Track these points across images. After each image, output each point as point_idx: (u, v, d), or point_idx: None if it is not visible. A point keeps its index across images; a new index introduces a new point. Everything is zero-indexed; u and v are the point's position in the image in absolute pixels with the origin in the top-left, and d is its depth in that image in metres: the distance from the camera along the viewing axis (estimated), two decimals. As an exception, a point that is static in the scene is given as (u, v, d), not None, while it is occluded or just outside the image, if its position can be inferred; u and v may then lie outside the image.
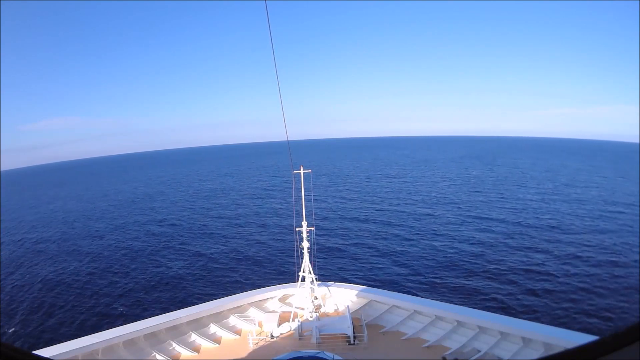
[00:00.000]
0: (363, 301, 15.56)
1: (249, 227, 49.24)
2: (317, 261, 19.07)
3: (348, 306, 15.04)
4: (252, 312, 15.67)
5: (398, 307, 14.73)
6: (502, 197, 62.72)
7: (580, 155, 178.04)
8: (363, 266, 33.25)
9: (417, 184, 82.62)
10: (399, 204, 58.96)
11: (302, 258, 15.23)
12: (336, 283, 16.87)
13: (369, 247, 38.14)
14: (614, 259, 33.03)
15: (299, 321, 13.82)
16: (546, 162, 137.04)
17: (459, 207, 55.52)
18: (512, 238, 39.76)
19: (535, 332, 11.77)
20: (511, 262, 32.94)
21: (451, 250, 36.15)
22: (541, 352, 11.41)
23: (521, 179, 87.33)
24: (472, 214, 50.87)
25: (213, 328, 14.46)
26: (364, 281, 28.69)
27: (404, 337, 13.48)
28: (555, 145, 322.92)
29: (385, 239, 41.10)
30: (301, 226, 15.31)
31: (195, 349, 13.46)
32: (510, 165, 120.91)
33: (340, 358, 11.09)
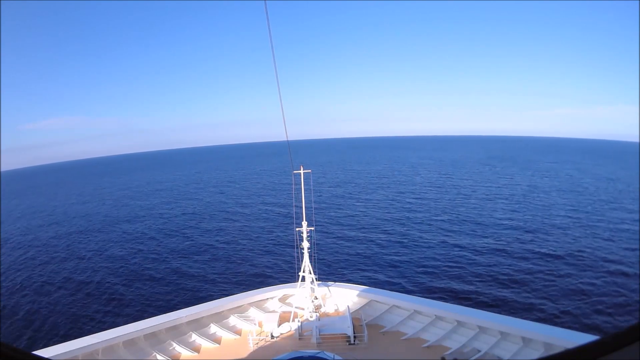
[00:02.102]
0: (363, 301, 15.57)
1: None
2: (318, 260, 19.06)
3: (348, 306, 15.05)
4: (252, 312, 15.68)
5: (398, 307, 14.73)
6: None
7: (613, 159, 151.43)
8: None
9: (475, 200, 60.38)
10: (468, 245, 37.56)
11: (302, 258, 15.24)
12: (336, 283, 16.88)
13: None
14: None
15: (299, 321, 13.83)
16: (586, 165, 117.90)
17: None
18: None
19: (535, 332, 11.77)
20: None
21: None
22: (541, 352, 11.41)
23: (581, 188, 69.29)
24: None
25: (213, 328, 14.47)
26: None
27: (404, 337, 13.48)
28: (568, 145, 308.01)
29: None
30: (301, 226, 15.33)
31: (196, 349, 13.47)
32: (554, 171, 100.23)
33: (340, 358, 11.09)
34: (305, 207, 15.82)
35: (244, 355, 12.78)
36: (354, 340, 12.96)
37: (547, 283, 28.29)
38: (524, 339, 11.96)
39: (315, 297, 15.75)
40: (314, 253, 16.02)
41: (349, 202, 63.09)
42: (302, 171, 15.76)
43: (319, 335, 13.17)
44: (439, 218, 48.74)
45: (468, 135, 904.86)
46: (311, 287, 15.49)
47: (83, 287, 32.84)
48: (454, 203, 58.47)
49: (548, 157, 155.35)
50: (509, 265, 31.99)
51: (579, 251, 34.81)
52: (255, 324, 14.75)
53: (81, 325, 25.78)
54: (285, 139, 14.04)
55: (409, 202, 60.28)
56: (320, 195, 67.30)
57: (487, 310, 16.82)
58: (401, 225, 46.10)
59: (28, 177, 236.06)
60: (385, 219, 49.51)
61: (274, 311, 15.58)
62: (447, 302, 22.27)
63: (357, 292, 15.85)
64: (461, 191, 69.19)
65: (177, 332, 13.89)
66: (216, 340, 13.98)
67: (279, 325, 14.04)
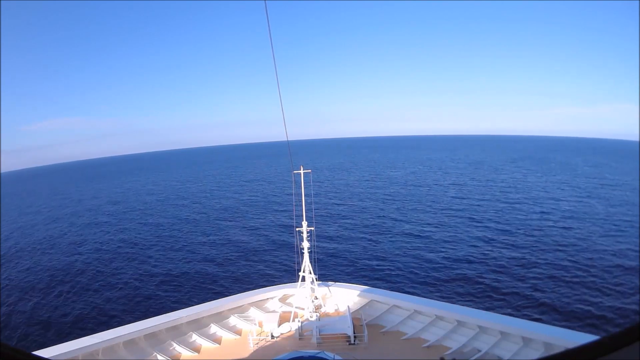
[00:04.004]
0: (363, 301, 15.57)
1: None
2: (318, 260, 19.07)
3: (348, 306, 15.04)
4: (253, 312, 15.68)
5: (398, 307, 14.73)
6: None
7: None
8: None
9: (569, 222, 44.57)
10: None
11: (303, 258, 15.24)
12: (336, 283, 16.88)
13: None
14: None
15: (299, 321, 13.83)
16: (629, 168, 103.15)
17: None
18: None
19: (535, 331, 11.77)
20: None
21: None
22: (541, 352, 11.41)
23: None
24: None
25: (213, 328, 14.47)
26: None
27: (404, 337, 13.47)
28: (577, 145, 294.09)
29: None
30: (301, 226, 15.33)
31: (196, 349, 13.47)
32: (608, 178, 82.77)
33: (340, 358, 11.10)
34: (305, 207, 15.82)
35: (244, 355, 12.77)
36: (354, 340, 12.95)
37: None
38: (524, 338, 11.95)
39: (316, 297, 15.74)
40: (314, 253, 16.02)
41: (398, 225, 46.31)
42: (302, 171, 15.78)
43: (319, 335, 13.16)
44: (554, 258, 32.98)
45: (470, 135, 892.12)
46: (311, 287, 15.48)
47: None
48: (552, 232, 40.91)
49: (577, 159, 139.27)
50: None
51: None
52: (255, 324, 14.73)
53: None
54: (286, 139, 14.06)
55: (484, 225, 44.44)
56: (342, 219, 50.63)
57: (488, 311, 16.82)
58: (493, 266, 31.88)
59: (17, 181, 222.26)
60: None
61: (274, 311, 15.57)
62: (447, 302, 22.27)
63: (357, 292, 15.84)
64: (532, 207, 52.59)
65: (177, 332, 13.88)
66: (216, 340, 13.98)
67: (279, 325, 14.03)
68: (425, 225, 45.31)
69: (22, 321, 27.29)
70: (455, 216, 49.49)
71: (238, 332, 14.52)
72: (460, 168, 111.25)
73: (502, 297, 26.63)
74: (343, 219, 50.47)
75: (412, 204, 58.96)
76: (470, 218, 48.26)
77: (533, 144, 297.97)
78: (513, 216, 48.72)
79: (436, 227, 44.69)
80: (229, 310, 15.28)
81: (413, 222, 47.30)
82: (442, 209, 53.96)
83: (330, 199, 65.75)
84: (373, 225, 46.72)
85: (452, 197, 63.75)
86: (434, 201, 60.23)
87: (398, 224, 46.45)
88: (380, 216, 51.20)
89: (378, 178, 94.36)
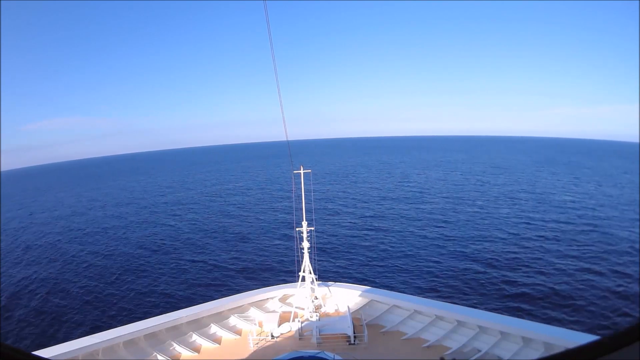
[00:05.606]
0: (363, 301, 15.57)
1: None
2: (318, 260, 19.04)
3: (348, 306, 15.04)
4: (253, 312, 15.69)
5: (398, 307, 14.73)
6: None
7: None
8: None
9: None
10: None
11: (303, 258, 15.24)
12: (336, 283, 16.88)
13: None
14: None
15: (299, 321, 13.84)
16: None
17: None
18: None
19: (535, 331, 11.77)
20: None
21: None
22: (541, 352, 11.41)
23: None
24: None
25: (213, 328, 14.48)
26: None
27: (404, 337, 13.47)
28: (584, 147, 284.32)
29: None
30: (301, 226, 15.33)
31: (196, 349, 13.47)
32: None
33: (340, 358, 11.10)
34: (305, 208, 15.81)
35: (244, 355, 12.77)
36: (354, 340, 12.95)
37: None
38: (524, 338, 11.96)
39: (316, 297, 15.75)
40: (314, 253, 16.02)
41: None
42: (302, 171, 15.78)
43: (319, 335, 13.17)
44: None
45: (470, 136, 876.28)
46: (311, 287, 15.48)
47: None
48: None
49: (603, 164, 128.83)
50: None
51: None
52: (255, 324, 14.74)
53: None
54: (286, 139, 14.07)
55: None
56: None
57: (488, 311, 16.79)
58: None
59: (17, 180, 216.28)
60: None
61: (274, 311, 15.58)
62: (447, 302, 22.21)
63: (357, 292, 15.85)
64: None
65: (177, 332, 13.89)
66: (216, 340, 13.98)
67: (279, 325, 14.04)
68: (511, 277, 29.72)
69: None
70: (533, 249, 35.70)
71: (238, 332, 14.52)
72: (491, 174, 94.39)
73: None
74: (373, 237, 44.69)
75: (475, 231, 42.41)
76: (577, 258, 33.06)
77: (537, 145, 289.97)
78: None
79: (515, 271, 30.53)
80: (229, 310, 15.28)
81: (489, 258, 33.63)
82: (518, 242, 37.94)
83: (347, 208, 58.50)
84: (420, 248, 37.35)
85: (512, 216, 48.21)
86: (498, 228, 43.30)
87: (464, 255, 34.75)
88: (439, 255, 35.19)
89: (403, 185, 79.22)
